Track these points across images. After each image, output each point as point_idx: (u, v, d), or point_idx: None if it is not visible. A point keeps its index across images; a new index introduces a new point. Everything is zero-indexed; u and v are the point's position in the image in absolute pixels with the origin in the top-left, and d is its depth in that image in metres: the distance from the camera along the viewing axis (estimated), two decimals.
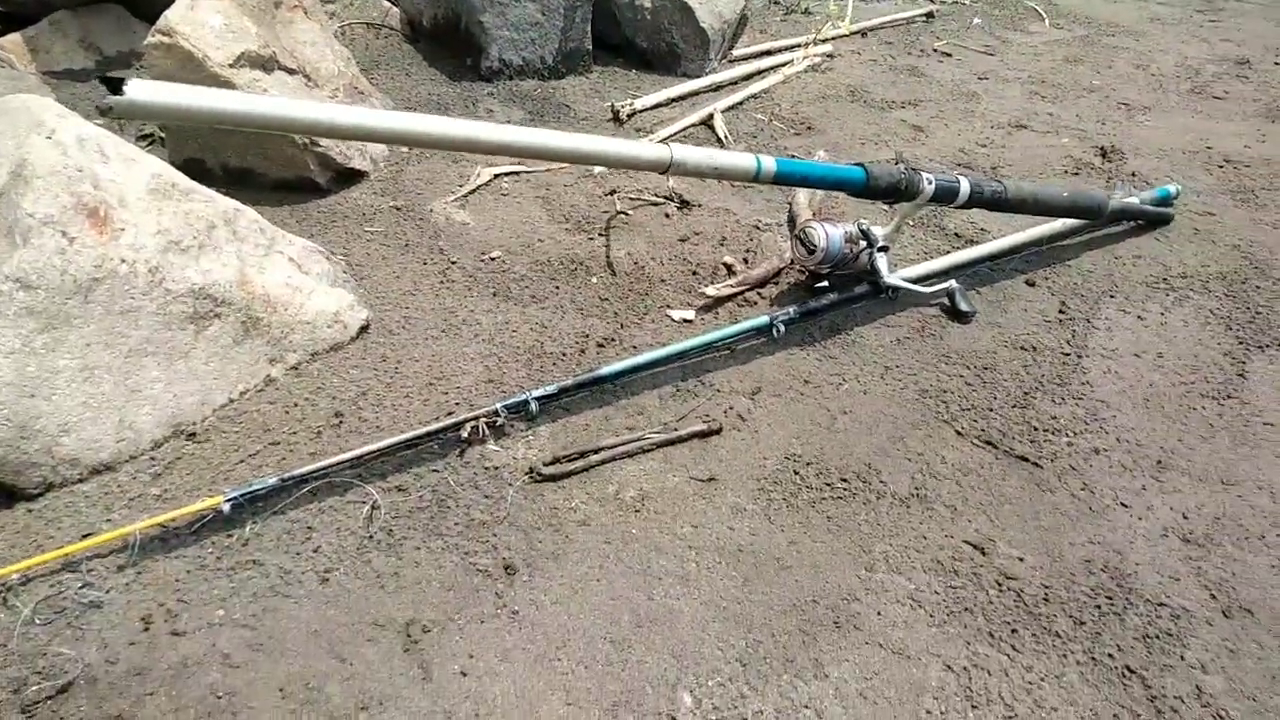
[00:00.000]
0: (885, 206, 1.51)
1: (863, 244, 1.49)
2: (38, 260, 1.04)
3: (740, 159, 1.19)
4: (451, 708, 0.89)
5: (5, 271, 1.02)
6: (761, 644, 0.98)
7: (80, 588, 0.97)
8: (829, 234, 1.47)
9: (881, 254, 1.51)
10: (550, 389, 1.26)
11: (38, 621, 0.92)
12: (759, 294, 1.57)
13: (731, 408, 1.30)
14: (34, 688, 0.86)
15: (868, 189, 1.33)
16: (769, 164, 1.21)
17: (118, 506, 1.07)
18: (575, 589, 1.02)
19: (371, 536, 1.06)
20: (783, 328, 1.43)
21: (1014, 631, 0.99)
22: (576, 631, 0.98)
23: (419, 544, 1.06)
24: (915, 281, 1.54)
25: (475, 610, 0.99)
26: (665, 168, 1.13)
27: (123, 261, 1.11)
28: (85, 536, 1.02)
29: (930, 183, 1.41)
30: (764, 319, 1.44)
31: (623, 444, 1.21)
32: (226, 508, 1.04)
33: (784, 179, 1.24)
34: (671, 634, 0.98)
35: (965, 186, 1.46)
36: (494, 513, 1.10)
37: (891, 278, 1.51)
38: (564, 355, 1.38)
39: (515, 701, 0.90)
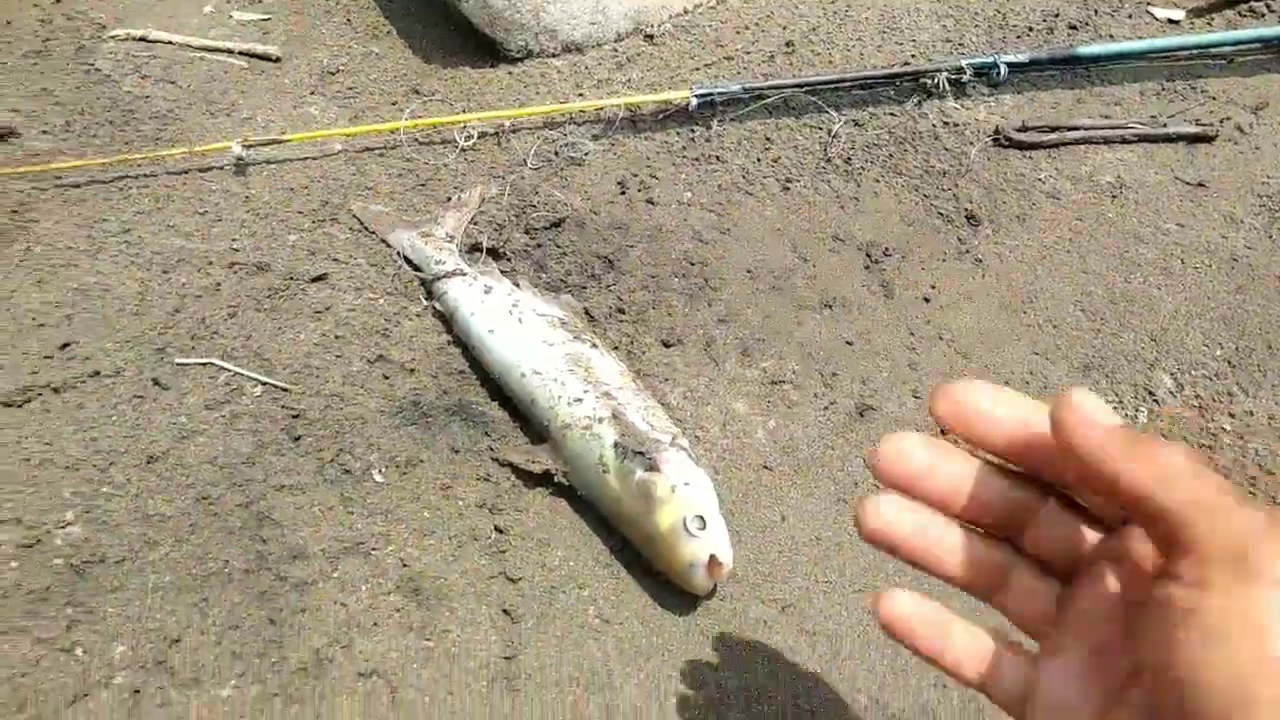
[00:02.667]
0: None
1: None
2: None
3: None
4: (913, 327, 0.87)
5: None
6: (1254, 352, 0.87)
7: (564, 145, 1.00)
8: None
9: None
10: (1021, 57, 1.12)
11: (530, 166, 0.97)
12: (1266, 5, 1.30)
13: (1228, 118, 1.11)
14: (533, 216, 0.92)
15: None
16: None
17: (586, 85, 1.09)
18: (1043, 254, 0.95)
19: (830, 160, 1.02)
20: None
21: None
22: (1044, 292, 0.91)
23: (878, 177, 1.01)
24: None
25: (936, 248, 0.94)
26: None
27: None
28: (562, 103, 1.04)
29: None
30: (1278, 30, 1.19)
31: (1102, 127, 1.07)
32: (694, 103, 1.03)
33: None
34: (1150, 319, 0.89)
35: None
36: (955, 165, 1.02)
37: None
38: (1030, 30, 1.23)
39: (978, 337, 0.87)
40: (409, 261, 0.86)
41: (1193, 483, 0.28)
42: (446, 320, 0.81)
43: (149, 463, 0.70)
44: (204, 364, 0.77)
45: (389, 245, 0.88)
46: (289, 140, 0.94)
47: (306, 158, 0.97)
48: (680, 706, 0.63)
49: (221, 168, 0.95)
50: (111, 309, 0.81)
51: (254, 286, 0.83)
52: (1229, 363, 0.86)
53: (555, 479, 0.71)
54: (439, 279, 0.82)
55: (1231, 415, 0.82)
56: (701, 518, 0.63)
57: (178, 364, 0.76)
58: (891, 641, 0.40)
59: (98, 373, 0.76)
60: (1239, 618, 0.25)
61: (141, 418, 0.73)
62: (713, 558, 0.62)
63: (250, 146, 0.93)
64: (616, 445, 0.67)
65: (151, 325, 0.79)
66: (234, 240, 0.87)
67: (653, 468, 0.65)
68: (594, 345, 0.77)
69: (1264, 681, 0.24)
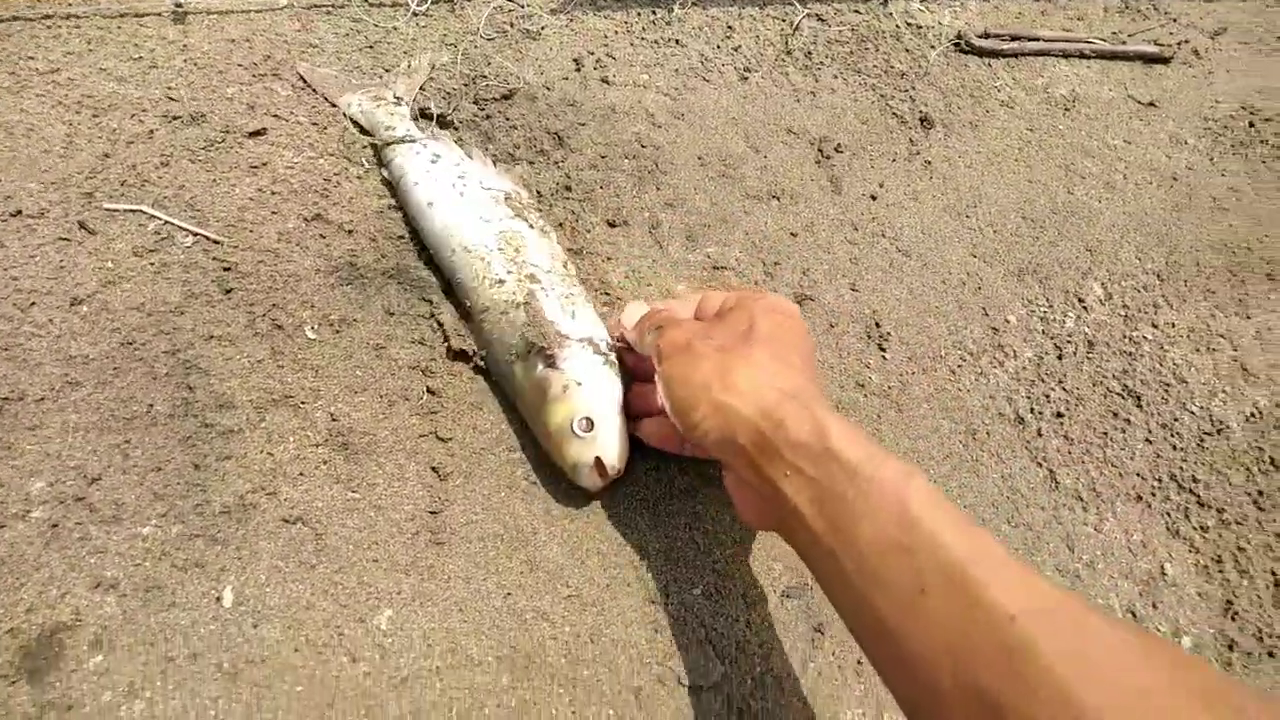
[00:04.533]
0: None
1: None
2: None
3: None
4: (858, 221, 0.88)
5: None
6: (1183, 267, 0.89)
7: (519, 16, 0.97)
8: None
9: None
10: None
11: (483, 35, 0.94)
12: None
13: (1186, 41, 1.12)
14: (483, 86, 0.89)
15: None
16: None
17: None
18: (991, 160, 0.95)
19: (790, 53, 1.00)
20: None
21: None
22: (989, 198, 0.92)
23: (836, 74, 1.00)
24: None
25: (887, 148, 0.94)
26: None
27: None
28: None
29: None
30: None
31: (1062, 40, 1.07)
32: None
33: None
34: (1088, 230, 0.91)
35: None
36: (914, 67, 1.02)
37: None
38: None
39: (920, 237, 0.88)
40: (358, 125, 0.84)
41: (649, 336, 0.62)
42: (392, 187, 0.79)
43: (72, 305, 0.69)
44: (133, 211, 0.74)
45: (336, 108, 0.85)
46: None
47: (249, 10, 0.92)
48: (601, 564, 0.64)
49: (159, 14, 0.91)
50: (36, 149, 0.78)
51: (189, 137, 0.80)
52: (1158, 276, 0.88)
53: (472, 361, 0.70)
54: (388, 145, 0.80)
55: (1155, 326, 0.85)
56: (589, 420, 0.62)
57: (106, 209, 0.74)
58: None
59: (20, 212, 0.73)
60: (676, 373, 0.56)
61: (66, 260, 0.71)
62: (598, 460, 0.62)
63: None
64: (523, 336, 0.66)
65: (79, 169, 0.76)
66: (169, 88, 0.84)
67: (551, 364, 0.65)
68: (532, 225, 0.75)
69: (700, 396, 0.53)
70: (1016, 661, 0.36)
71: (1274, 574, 0.71)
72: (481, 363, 0.70)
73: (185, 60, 0.87)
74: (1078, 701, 0.35)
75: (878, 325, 0.81)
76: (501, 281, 0.70)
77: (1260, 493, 0.75)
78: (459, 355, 0.71)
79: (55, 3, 0.88)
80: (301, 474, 0.65)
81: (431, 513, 0.65)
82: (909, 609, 0.40)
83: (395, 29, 0.95)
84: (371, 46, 0.93)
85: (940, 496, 0.43)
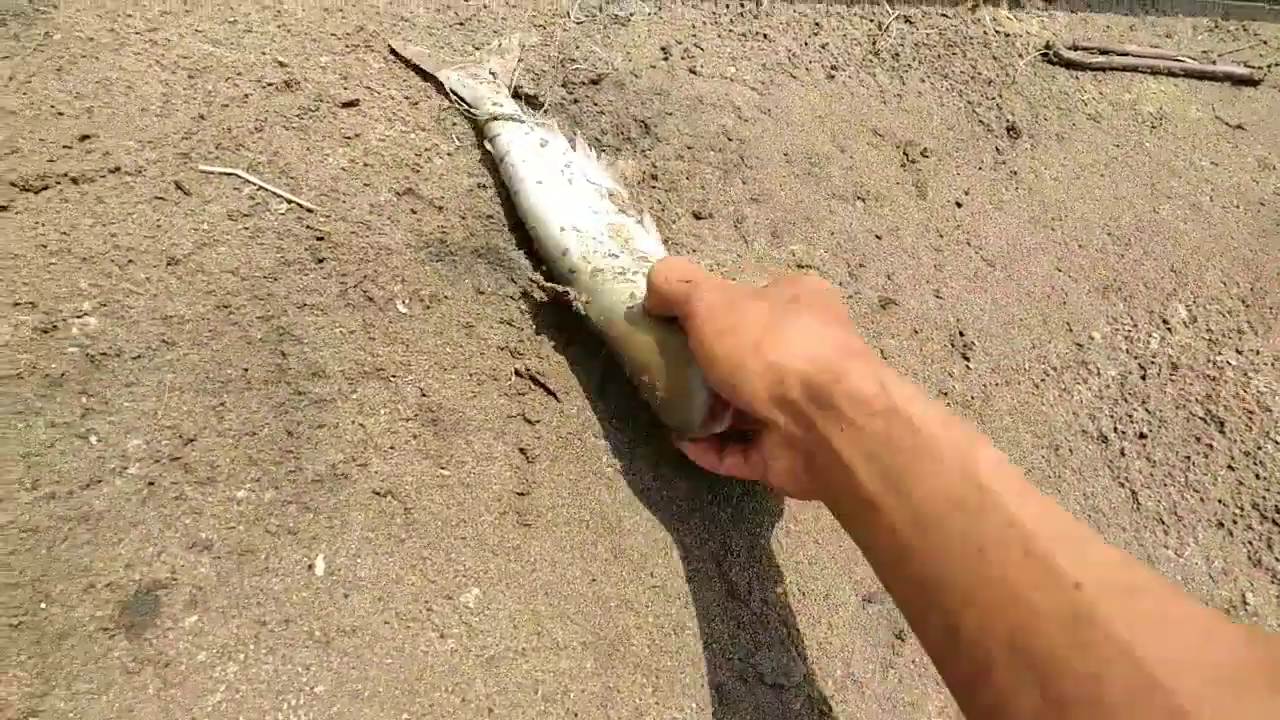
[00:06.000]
0: None
1: None
2: None
3: None
4: (943, 229, 0.87)
5: None
6: (1269, 294, 0.88)
7: (609, 1, 0.96)
8: None
9: None
10: None
11: (574, 19, 0.94)
12: None
13: (1277, 64, 1.10)
14: (572, 70, 0.89)
15: None
16: None
17: None
18: (1078, 174, 0.94)
19: (877, 53, 0.99)
20: None
21: None
22: (1074, 212, 0.91)
23: (923, 77, 0.99)
24: None
25: (974, 155, 0.93)
26: None
27: None
28: None
29: None
30: None
31: (1151, 56, 1.05)
32: None
33: None
34: (1173, 251, 0.90)
35: None
36: (1002, 75, 1.00)
37: None
38: None
39: (1005, 247, 0.87)
40: (461, 99, 0.84)
41: (685, 284, 0.56)
42: (494, 163, 0.79)
43: (169, 264, 0.69)
44: (228, 174, 0.74)
45: (435, 81, 0.85)
46: None
47: None
48: (685, 556, 0.64)
49: None
50: (134, 107, 0.78)
51: (283, 104, 0.80)
52: (1243, 301, 0.87)
53: (574, 307, 0.70)
54: (495, 119, 0.80)
55: (1239, 351, 0.83)
56: None
57: (201, 170, 0.74)
58: None
59: (118, 169, 0.73)
60: (720, 327, 0.52)
61: (163, 219, 0.71)
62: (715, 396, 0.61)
63: None
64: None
65: (175, 129, 0.76)
66: (264, 53, 0.84)
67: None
68: (638, 221, 0.75)
69: (745, 353, 0.49)
70: (1082, 629, 0.33)
71: None
72: (583, 308, 0.69)
73: (279, 26, 0.87)
74: (1148, 671, 0.31)
75: (961, 334, 0.81)
76: (615, 255, 0.70)
77: None
78: (555, 324, 0.71)
79: None
80: (392, 447, 0.65)
81: (519, 494, 0.65)
82: (963, 567, 0.37)
83: (485, 6, 0.94)
84: (462, 24, 0.93)
85: (1009, 464, 0.41)
